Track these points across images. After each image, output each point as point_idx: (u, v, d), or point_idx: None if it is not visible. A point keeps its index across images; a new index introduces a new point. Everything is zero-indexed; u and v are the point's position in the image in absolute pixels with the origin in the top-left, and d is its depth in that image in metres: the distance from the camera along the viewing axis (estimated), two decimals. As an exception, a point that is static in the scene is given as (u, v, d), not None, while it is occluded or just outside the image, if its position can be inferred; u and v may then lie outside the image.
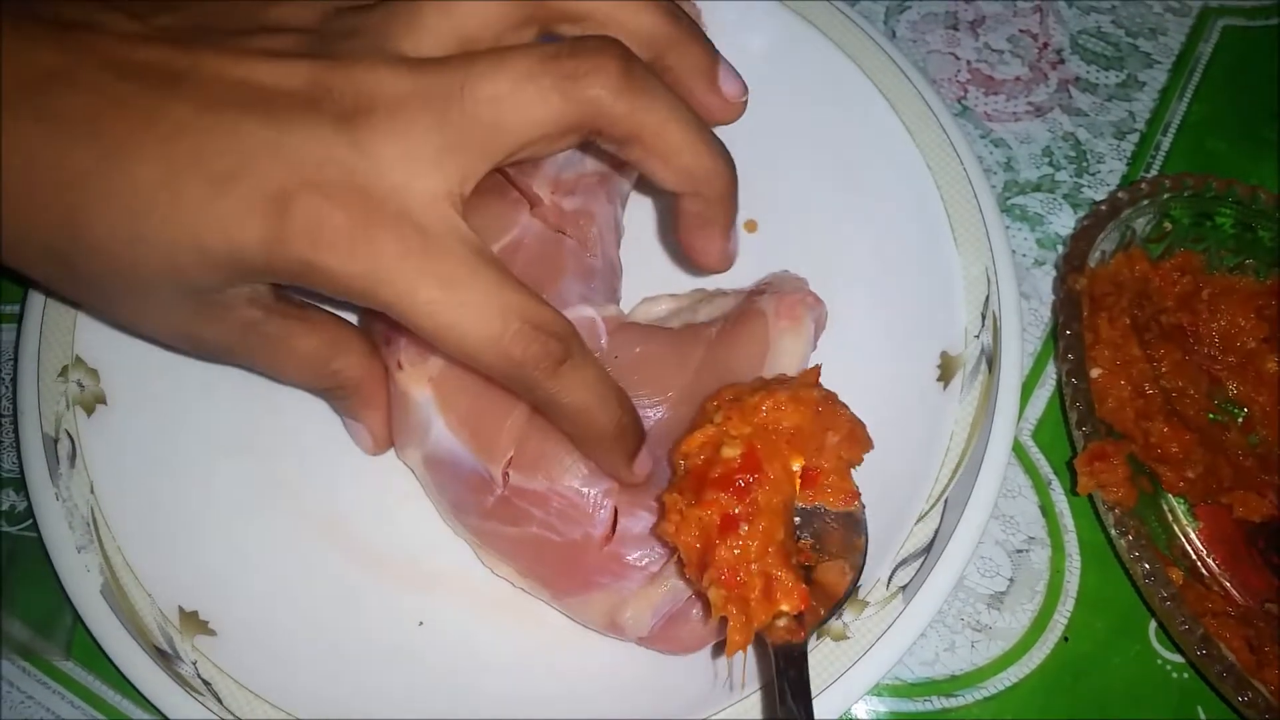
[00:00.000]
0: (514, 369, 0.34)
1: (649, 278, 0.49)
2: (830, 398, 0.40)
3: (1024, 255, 0.55)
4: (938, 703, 0.45)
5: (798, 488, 0.39)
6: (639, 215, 0.51)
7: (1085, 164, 0.57)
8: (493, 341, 0.34)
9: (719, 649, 0.41)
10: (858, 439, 0.39)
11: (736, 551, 0.36)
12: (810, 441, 0.39)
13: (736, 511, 0.37)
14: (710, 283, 0.48)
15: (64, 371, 0.45)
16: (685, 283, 0.49)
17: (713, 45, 0.40)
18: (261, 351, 0.39)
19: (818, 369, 0.41)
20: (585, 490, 0.41)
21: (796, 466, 0.39)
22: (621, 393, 0.39)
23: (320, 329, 0.40)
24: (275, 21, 0.36)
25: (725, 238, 0.41)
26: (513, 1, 0.36)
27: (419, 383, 0.42)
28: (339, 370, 0.41)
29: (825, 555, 0.40)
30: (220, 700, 0.40)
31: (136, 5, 0.36)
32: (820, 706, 0.40)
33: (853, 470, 0.40)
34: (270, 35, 0.35)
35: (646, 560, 0.40)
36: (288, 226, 0.32)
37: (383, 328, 0.43)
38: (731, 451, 0.38)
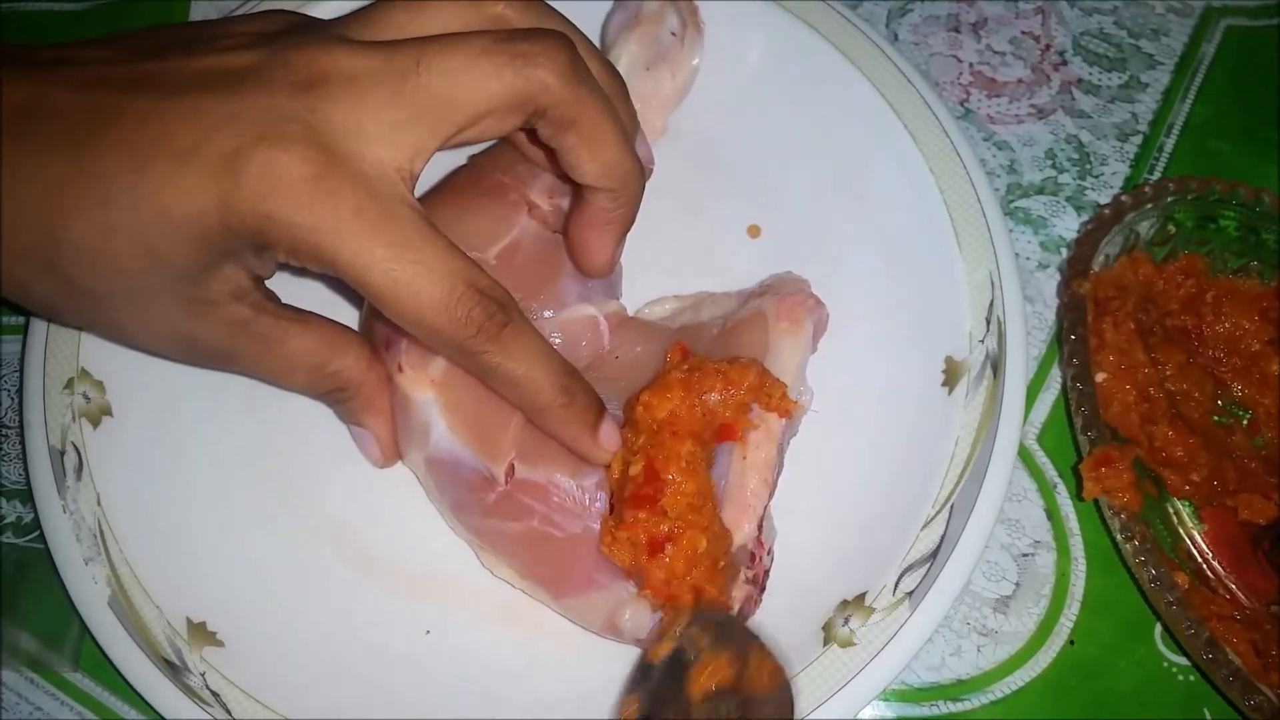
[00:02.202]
0: (459, 332, 0.36)
1: (652, 280, 0.49)
2: (695, 365, 0.41)
3: (1028, 258, 0.55)
4: (944, 707, 0.45)
5: (713, 450, 0.41)
6: (641, 220, 0.50)
7: (1088, 166, 0.57)
8: (442, 304, 0.35)
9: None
10: (733, 378, 0.41)
11: (662, 572, 0.39)
12: (691, 414, 0.40)
13: (663, 529, 0.39)
14: (716, 286, 0.48)
15: (69, 384, 0.45)
16: (690, 285, 0.49)
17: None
18: (258, 354, 0.39)
19: (680, 347, 0.43)
20: (582, 482, 0.41)
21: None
22: (566, 362, 0.40)
23: (315, 330, 0.40)
24: (235, 30, 0.37)
25: (619, 242, 0.43)
26: (472, 2, 0.38)
27: (420, 385, 0.42)
28: (338, 371, 0.41)
29: None
30: (229, 711, 0.40)
31: (108, 38, 0.37)
32: (827, 712, 0.40)
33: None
34: (229, 38, 0.37)
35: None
36: (243, 181, 0.33)
37: (385, 331, 0.43)
38: (635, 468, 0.40)
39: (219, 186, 0.33)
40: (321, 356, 0.40)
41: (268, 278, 0.39)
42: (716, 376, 0.41)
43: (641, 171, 0.41)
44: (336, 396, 0.42)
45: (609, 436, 0.41)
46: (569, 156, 0.39)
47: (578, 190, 0.41)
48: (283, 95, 0.34)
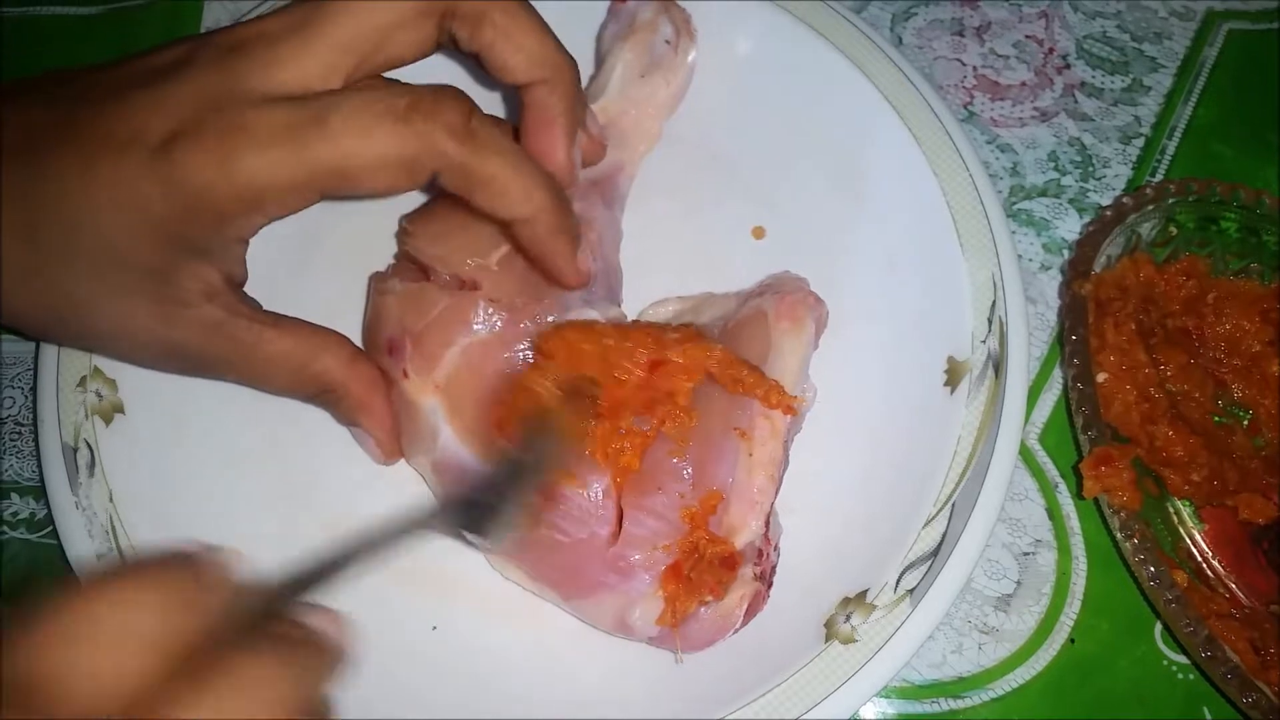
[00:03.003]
0: (424, 148, 0.35)
1: (655, 282, 0.49)
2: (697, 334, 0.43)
3: (1030, 260, 0.55)
4: (945, 704, 0.46)
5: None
6: (644, 224, 0.51)
7: (1091, 169, 0.58)
8: (393, 135, 0.35)
9: (728, 648, 0.42)
10: (736, 371, 0.42)
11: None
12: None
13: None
14: (719, 287, 0.49)
15: (82, 381, 0.46)
16: (693, 286, 0.49)
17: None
18: (235, 358, 0.39)
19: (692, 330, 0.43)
20: (588, 490, 0.41)
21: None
22: (545, 172, 0.39)
23: (293, 333, 0.40)
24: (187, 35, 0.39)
25: (568, 141, 0.41)
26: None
27: (425, 391, 0.42)
28: (320, 373, 0.41)
29: None
30: (238, 704, 0.41)
31: (98, 66, 0.38)
32: (828, 708, 0.41)
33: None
34: (179, 39, 0.38)
35: (652, 561, 0.41)
36: (175, 163, 0.34)
37: (389, 337, 0.43)
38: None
39: (156, 173, 0.34)
40: (300, 360, 0.40)
41: (240, 280, 0.39)
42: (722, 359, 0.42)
43: (572, 62, 0.40)
44: (325, 399, 0.42)
45: (586, 260, 0.41)
46: (492, 55, 0.39)
47: (517, 97, 0.41)
48: (204, 74, 0.35)
